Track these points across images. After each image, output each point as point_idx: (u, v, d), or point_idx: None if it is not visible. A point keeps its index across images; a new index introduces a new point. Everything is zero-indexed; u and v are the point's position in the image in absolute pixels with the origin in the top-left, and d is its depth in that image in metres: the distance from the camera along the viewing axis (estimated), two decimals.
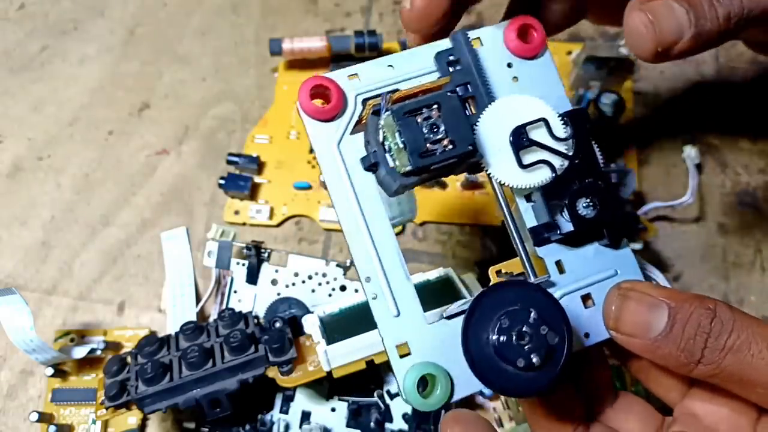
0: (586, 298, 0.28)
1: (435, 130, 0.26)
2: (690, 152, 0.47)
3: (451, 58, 0.28)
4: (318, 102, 0.27)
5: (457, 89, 0.28)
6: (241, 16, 0.58)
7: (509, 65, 0.29)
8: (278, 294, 0.43)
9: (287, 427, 0.39)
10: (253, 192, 0.49)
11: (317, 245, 0.48)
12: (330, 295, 0.42)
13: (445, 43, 0.29)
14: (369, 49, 0.51)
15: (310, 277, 0.43)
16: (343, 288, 0.42)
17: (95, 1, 0.58)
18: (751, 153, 0.50)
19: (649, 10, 0.27)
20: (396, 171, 0.26)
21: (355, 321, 0.37)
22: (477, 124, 0.27)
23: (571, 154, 0.27)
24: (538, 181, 0.27)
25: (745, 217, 0.48)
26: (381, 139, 0.26)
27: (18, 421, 0.42)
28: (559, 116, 0.27)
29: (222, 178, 0.48)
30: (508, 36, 0.29)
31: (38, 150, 0.52)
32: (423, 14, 0.30)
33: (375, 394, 0.39)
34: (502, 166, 0.27)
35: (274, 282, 0.43)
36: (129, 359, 0.38)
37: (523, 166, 0.27)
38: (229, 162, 0.49)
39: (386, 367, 0.40)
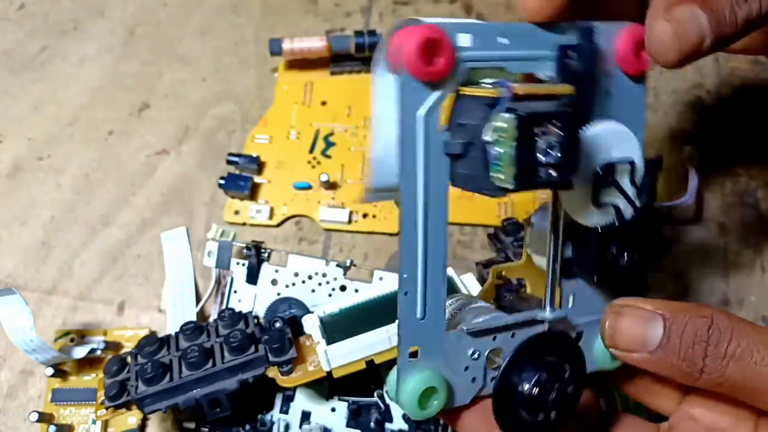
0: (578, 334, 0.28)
1: (549, 152, 0.22)
2: (690, 152, 0.47)
3: (572, 57, 0.25)
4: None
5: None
6: (241, 16, 0.58)
7: (607, 75, 0.26)
8: (278, 294, 0.43)
9: (287, 427, 0.39)
10: (253, 192, 0.49)
11: (317, 245, 0.48)
12: (330, 295, 0.42)
13: (569, 37, 0.25)
14: (369, 49, 0.51)
15: (310, 277, 0.42)
16: (343, 288, 0.42)
17: (95, 1, 0.58)
18: (751, 153, 0.50)
19: (672, 19, 0.26)
20: (487, 178, 0.23)
21: (355, 321, 0.37)
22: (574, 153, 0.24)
23: (638, 204, 0.26)
24: (600, 222, 0.26)
25: (745, 217, 0.48)
26: (489, 139, 0.22)
27: (18, 421, 0.42)
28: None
29: (222, 178, 0.48)
30: (623, 43, 0.26)
31: (38, 150, 0.52)
32: None
33: (375, 394, 0.39)
34: (573, 196, 0.25)
35: (274, 282, 0.43)
36: (129, 359, 0.38)
37: (596, 204, 0.26)
38: (229, 162, 0.49)
39: (386, 367, 0.40)
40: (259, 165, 0.49)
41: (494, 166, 0.22)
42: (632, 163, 0.26)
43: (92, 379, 0.42)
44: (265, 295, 0.43)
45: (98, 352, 0.42)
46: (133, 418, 0.41)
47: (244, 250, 0.43)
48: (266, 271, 0.43)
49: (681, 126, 0.51)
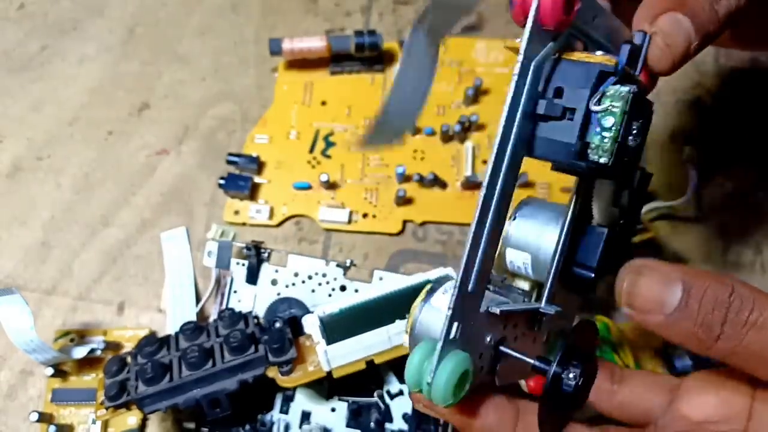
0: None
1: (635, 136, 0.22)
2: (690, 152, 0.47)
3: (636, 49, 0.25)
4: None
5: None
6: (241, 15, 0.58)
7: None
8: (278, 294, 0.43)
9: (287, 427, 0.39)
10: (252, 192, 0.49)
11: (317, 245, 0.48)
12: (330, 295, 0.42)
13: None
14: (369, 48, 0.51)
15: (310, 277, 0.42)
16: (343, 288, 0.42)
17: (95, 1, 0.58)
18: (751, 153, 0.50)
19: (659, 30, 0.27)
20: (575, 149, 0.22)
21: (355, 321, 0.37)
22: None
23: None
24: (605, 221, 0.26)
25: (745, 217, 0.48)
26: (598, 108, 0.22)
27: (18, 421, 0.42)
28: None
29: (222, 178, 0.48)
30: None
31: (38, 150, 0.52)
32: None
33: (375, 394, 0.39)
34: (603, 191, 0.26)
35: (274, 282, 0.43)
36: (129, 359, 0.38)
37: (614, 203, 0.27)
38: (228, 162, 0.49)
39: (386, 367, 0.40)
40: (258, 165, 0.49)
41: (597, 137, 0.22)
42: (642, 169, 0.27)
43: (92, 379, 0.42)
44: (265, 295, 0.43)
45: (98, 352, 0.42)
46: (133, 418, 0.41)
47: (244, 250, 0.43)
48: (266, 271, 0.43)
49: (681, 126, 0.51)
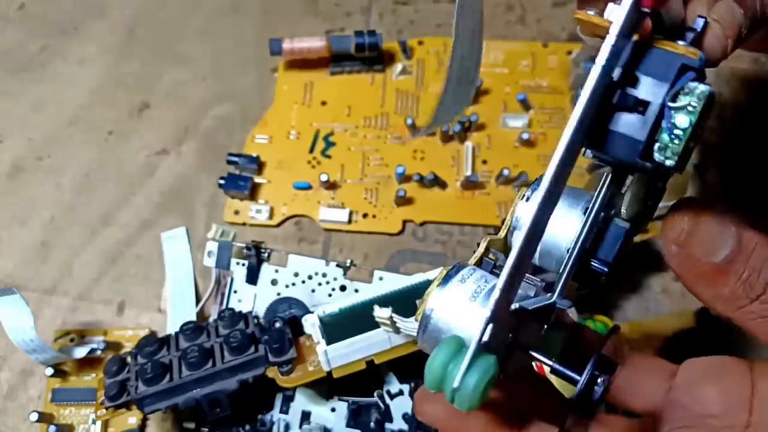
0: None
1: (700, 138, 0.21)
2: None
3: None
4: None
5: None
6: (241, 16, 0.58)
7: None
8: (278, 294, 0.43)
9: (287, 427, 0.39)
10: (253, 192, 0.49)
11: (317, 245, 0.48)
12: (330, 295, 0.42)
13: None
14: (369, 49, 0.51)
15: (310, 277, 0.42)
16: (343, 288, 0.42)
17: (95, 1, 0.58)
18: (751, 153, 0.50)
19: (718, 17, 0.25)
20: (644, 146, 0.20)
21: (355, 321, 0.37)
22: None
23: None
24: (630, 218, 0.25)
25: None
26: (676, 104, 0.20)
27: (18, 421, 0.42)
28: None
29: (222, 178, 0.48)
30: None
31: (38, 150, 0.52)
32: None
33: (375, 394, 0.39)
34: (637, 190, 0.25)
35: (274, 282, 0.43)
36: (129, 359, 0.38)
37: (641, 200, 0.26)
38: (229, 162, 0.49)
39: (386, 367, 0.40)
40: (259, 165, 0.49)
41: (669, 136, 0.20)
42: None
43: (92, 379, 0.42)
44: (265, 295, 0.43)
45: (98, 352, 0.42)
46: (133, 418, 0.41)
47: (244, 250, 0.43)
48: (266, 271, 0.43)
49: None
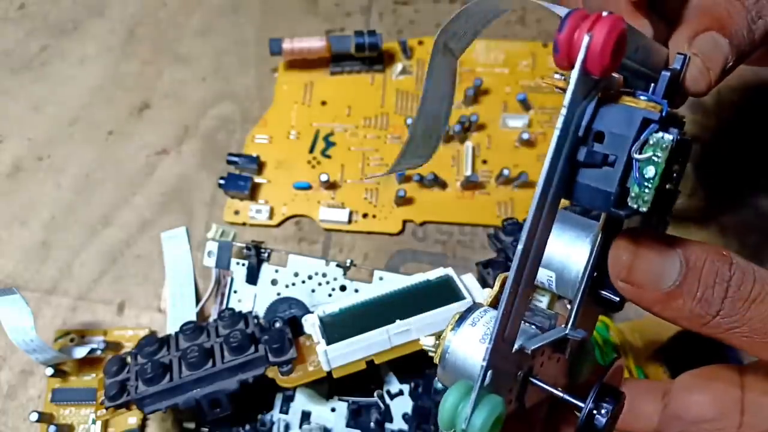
0: None
1: (676, 180, 0.21)
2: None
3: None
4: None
5: None
6: (241, 16, 0.58)
7: None
8: (278, 294, 0.43)
9: (287, 427, 0.39)
10: (253, 192, 0.49)
11: (317, 245, 0.48)
12: (330, 295, 0.42)
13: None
14: (369, 49, 0.51)
15: (310, 277, 0.43)
16: (343, 288, 0.42)
17: (95, 1, 0.58)
18: (751, 153, 0.50)
19: (699, 51, 0.26)
20: (615, 196, 0.21)
21: (355, 321, 0.37)
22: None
23: None
24: None
25: (745, 218, 0.48)
26: (641, 156, 0.21)
27: (18, 421, 0.42)
28: None
29: (222, 178, 0.48)
30: None
31: (38, 150, 0.52)
32: None
33: (375, 395, 0.39)
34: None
35: (274, 282, 0.43)
36: (129, 359, 0.38)
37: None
38: (229, 162, 0.49)
39: (386, 367, 0.40)
40: (259, 165, 0.49)
41: (639, 187, 0.21)
42: None
43: (92, 379, 0.42)
44: (265, 295, 0.43)
45: (98, 352, 0.42)
46: (133, 418, 0.41)
47: (244, 250, 0.43)
48: (266, 271, 0.43)
49: None
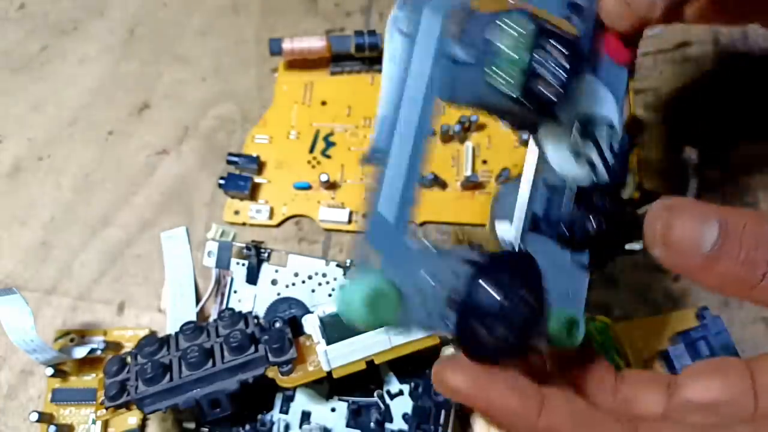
0: None
1: (555, 72, 0.22)
2: (690, 152, 0.47)
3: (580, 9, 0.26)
4: None
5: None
6: (241, 16, 0.58)
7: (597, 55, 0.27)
8: (278, 294, 0.43)
9: (287, 427, 0.39)
10: (253, 192, 0.49)
11: (317, 245, 0.48)
12: (330, 295, 0.42)
13: None
14: (369, 49, 0.51)
15: (310, 277, 0.43)
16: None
17: (95, 1, 0.58)
18: (751, 153, 0.50)
19: None
20: (491, 87, 0.22)
21: None
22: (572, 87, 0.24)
23: (611, 166, 0.26)
24: (576, 174, 0.26)
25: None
26: (502, 44, 0.22)
27: (18, 421, 0.42)
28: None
29: (222, 178, 0.48)
30: (613, 36, 0.27)
31: (38, 150, 0.52)
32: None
33: (375, 395, 0.39)
34: (557, 140, 0.25)
35: (274, 282, 0.43)
36: (129, 359, 0.38)
37: (576, 155, 0.25)
38: (229, 162, 0.49)
39: (386, 367, 0.40)
40: (259, 165, 0.49)
41: (501, 69, 0.22)
42: (612, 127, 0.26)
43: (92, 380, 0.42)
44: (265, 295, 0.43)
45: (98, 352, 0.42)
46: (133, 418, 0.41)
47: (244, 250, 0.43)
48: (266, 271, 0.43)
49: (680, 125, 0.51)
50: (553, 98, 0.22)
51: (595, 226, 0.26)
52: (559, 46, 0.22)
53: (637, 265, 0.46)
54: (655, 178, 0.49)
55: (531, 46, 0.22)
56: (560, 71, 0.22)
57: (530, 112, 0.23)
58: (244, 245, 0.43)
